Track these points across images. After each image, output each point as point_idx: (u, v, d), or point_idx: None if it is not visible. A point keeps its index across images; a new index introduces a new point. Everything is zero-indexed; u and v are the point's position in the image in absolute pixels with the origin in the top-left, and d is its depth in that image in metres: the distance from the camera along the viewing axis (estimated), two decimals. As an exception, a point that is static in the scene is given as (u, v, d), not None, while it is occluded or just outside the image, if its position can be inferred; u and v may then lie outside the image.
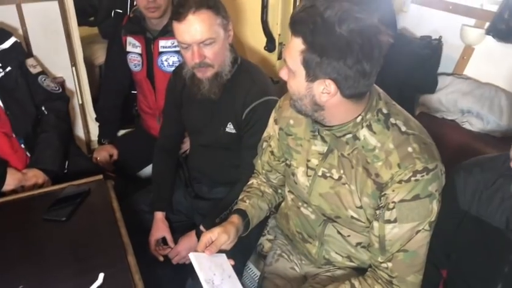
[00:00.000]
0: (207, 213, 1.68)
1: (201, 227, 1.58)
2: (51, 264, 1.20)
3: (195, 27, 1.36)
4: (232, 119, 1.57)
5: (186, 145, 1.96)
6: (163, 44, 1.95)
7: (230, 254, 1.48)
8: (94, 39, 3.03)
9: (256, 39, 2.00)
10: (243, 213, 1.30)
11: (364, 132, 1.07)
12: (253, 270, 1.67)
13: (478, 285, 1.16)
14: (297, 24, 0.98)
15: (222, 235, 1.20)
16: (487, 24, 1.77)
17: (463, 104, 1.73)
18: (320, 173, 1.17)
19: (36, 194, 1.50)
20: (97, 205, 1.45)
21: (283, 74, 1.08)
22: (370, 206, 1.10)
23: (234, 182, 1.62)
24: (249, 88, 1.52)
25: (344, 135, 1.09)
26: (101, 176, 1.57)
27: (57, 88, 1.89)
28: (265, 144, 1.39)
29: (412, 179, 1.01)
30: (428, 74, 1.88)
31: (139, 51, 2.01)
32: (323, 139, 1.16)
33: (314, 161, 1.19)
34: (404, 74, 1.75)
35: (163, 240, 1.71)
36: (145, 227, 1.71)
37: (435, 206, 1.05)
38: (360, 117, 1.06)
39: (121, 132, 2.32)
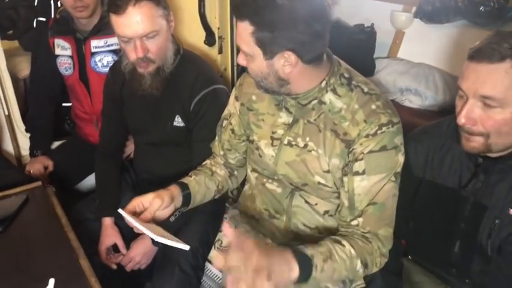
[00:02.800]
0: (159, 214, 1.60)
1: (155, 228, 1.50)
2: (-9, 277, 1.07)
3: (136, 20, 1.29)
4: (180, 112, 1.51)
5: (129, 149, 1.86)
6: (95, 44, 1.85)
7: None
8: (15, 52, 2.81)
9: (194, 34, 1.95)
10: (183, 186, 1.24)
11: (329, 96, 1.09)
12: (212, 271, 1.61)
13: (438, 246, 1.20)
14: (240, 8, 1.00)
15: (155, 200, 1.12)
16: (414, 8, 1.87)
17: (401, 83, 1.82)
18: (286, 142, 1.18)
19: (-38, 209, 1.34)
20: (39, 212, 1.34)
21: (241, 60, 1.09)
22: (339, 167, 1.11)
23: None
24: (195, 78, 1.47)
25: (310, 102, 1.11)
26: (39, 183, 1.44)
27: (-21, 97, 1.72)
28: (225, 122, 1.36)
29: (379, 132, 1.04)
30: (366, 57, 1.95)
31: (70, 54, 1.88)
32: (288, 110, 1.17)
33: (280, 132, 1.19)
34: (343, 60, 1.79)
35: (114, 248, 1.59)
36: (93, 237, 1.57)
37: (400, 158, 1.08)
38: (324, 82, 1.08)
39: (55, 144, 2.15)
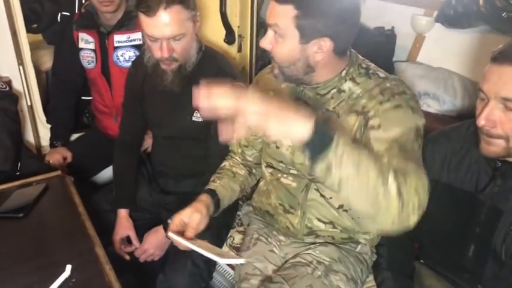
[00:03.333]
0: (174, 208, 1.62)
1: (169, 221, 1.52)
2: (12, 260, 1.11)
3: (165, 22, 1.32)
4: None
5: (147, 142, 1.89)
6: (118, 38, 1.89)
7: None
8: (38, 45, 2.88)
9: (215, 32, 1.99)
10: (212, 193, 1.27)
11: (348, 85, 1.13)
12: (223, 268, 1.62)
13: (451, 249, 1.19)
14: None
15: (194, 215, 1.15)
16: (436, 12, 1.87)
17: (419, 86, 1.81)
18: None
19: (-13, 193, 1.39)
20: (57, 201, 1.37)
21: (266, 43, 1.09)
22: (363, 140, 1.08)
23: (202, 173, 1.56)
24: (216, 73, 1.50)
25: (329, 91, 1.14)
26: (59, 172, 1.48)
27: (4, 86, 1.76)
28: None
29: (391, 98, 1.06)
30: (385, 60, 1.95)
31: (93, 47, 1.93)
32: (306, 103, 1.19)
33: None
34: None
35: (128, 239, 1.62)
36: (108, 227, 1.61)
37: (418, 121, 1.04)
38: (344, 71, 1.12)
39: (74, 137, 2.19)
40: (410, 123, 1.03)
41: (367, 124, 1.06)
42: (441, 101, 1.75)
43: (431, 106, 1.77)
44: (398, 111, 1.04)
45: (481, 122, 0.98)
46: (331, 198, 1.22)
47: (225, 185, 1.32)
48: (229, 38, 1.97)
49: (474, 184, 1.12)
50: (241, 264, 1.32)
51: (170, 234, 1.11)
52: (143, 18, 1.34)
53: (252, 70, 2.06)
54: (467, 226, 1.14)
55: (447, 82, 1.77)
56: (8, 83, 1.93)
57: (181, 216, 1.15)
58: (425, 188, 0.90)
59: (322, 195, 1.23)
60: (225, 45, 2.01)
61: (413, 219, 0.89)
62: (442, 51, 1.90)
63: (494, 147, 1.00)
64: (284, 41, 1.06)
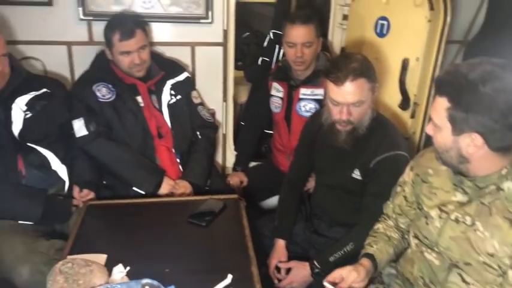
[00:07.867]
0: (322, 249, 1.79)
1: (315, 262, 1.70)
2: (190, 257, 1.43)
3: (349, 91, 1.51)
4: (360, 167, 1.68)
5: (310, 184, 2.11)
6: (303, 91, 2.17)
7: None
8: (238, 81, 3.39)
9: (391, 96, 2.09)
10: (371, 257, 1.40)
11: (508, 184, 1.11)
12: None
13: None
14: (443, 85, 1.11)
15: (352, 273, 1.32)
16: None
17: None
18: (453, 217, 1.22)
19: (183, 200, 1.80)
20: (231, 219, 1.67)
21: (429, 130, 1.21)
22: (510, 254, 1.09)
23: (353, 224, 1.71)
24: (381, 140, 1.63)
25: (487, 186, 1.15)
26: (236, 195, 1.80)
27: (210, 118, 2.22)
28: (399, 188, 1.47)
29: None
30: None
31: (282, 96, 2.25)
32: (464, 191, 1.22)
33: (450, 207, 1.24)
34: None
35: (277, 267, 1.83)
36: (264, 251, 1.86)
37: None
38: (505, 170, 1.12)
39: (252, 164, 2.56)
40: None
41: None
42: None
43: None
44: None
45: None
46: (473, 285, 1.19)
47: (382, 249, 1.43)
48: (405, 104, 2.05)
49: None
50: None
51: (325, 283, 1.30)
52: (330, 85, 1.54)
53: (422, 137, 2.10)
54: None
55: None
56: (213, 114, 2.41)
57: (340, 271, 1.33)
58: None
59: (464, 281, 1.20)
60: (398, 110, 2.10)
61: None
62: None
63: None
64: (440, 130, 1.15)
